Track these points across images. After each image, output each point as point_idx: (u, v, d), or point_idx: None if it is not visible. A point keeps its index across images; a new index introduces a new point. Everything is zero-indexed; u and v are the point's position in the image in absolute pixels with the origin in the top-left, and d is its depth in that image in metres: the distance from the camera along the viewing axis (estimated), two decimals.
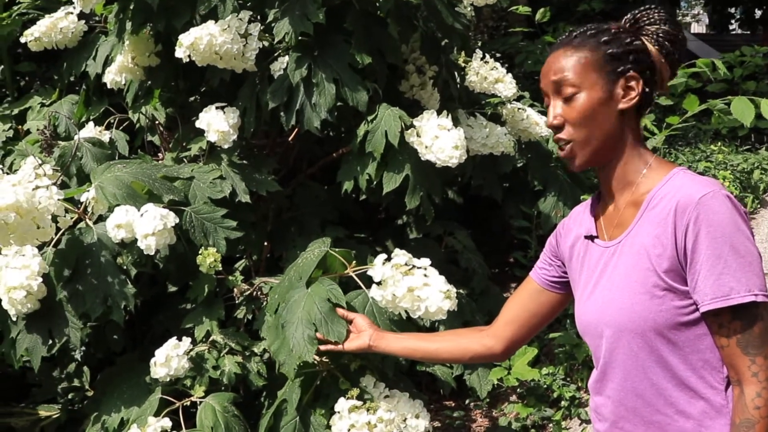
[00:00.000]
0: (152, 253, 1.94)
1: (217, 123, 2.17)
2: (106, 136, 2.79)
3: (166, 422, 1.80)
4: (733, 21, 10.39)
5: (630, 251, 1.23)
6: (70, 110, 3.02)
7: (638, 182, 1.26)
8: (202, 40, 2.04)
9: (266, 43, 2.30)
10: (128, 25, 2.29)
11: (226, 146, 2.20)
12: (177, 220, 2.00)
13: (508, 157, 3.10)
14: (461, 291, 2.68)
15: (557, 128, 1.28)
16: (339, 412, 1.82)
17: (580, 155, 1.27)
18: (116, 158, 2.65)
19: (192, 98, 2.69)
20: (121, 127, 2.88)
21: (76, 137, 2.53)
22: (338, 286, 1.85)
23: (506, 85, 2.92)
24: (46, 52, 2.93)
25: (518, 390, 2.53)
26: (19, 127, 3.11)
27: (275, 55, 2.24)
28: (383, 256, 1.87)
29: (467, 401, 2.61)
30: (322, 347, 1.76)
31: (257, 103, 2.24)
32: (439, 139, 2.03)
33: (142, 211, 1.98)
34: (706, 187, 1.16)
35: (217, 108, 2.22)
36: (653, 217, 1.20)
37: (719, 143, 4.20)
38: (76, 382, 2.68)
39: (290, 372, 1.77)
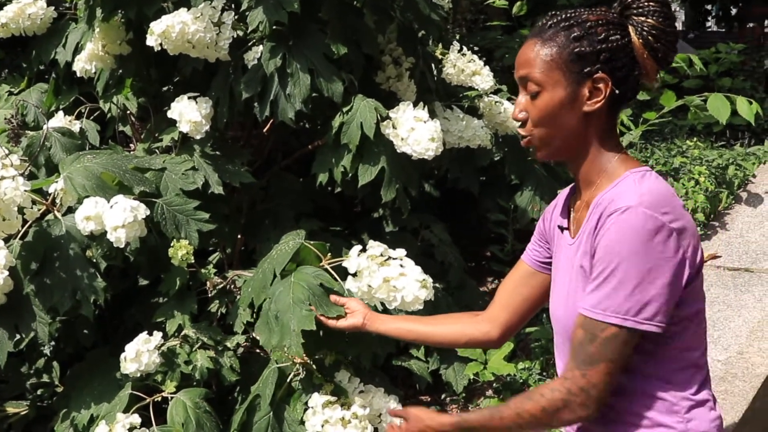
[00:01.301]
0: (122, 246, 1.90)
1: (189, 113, 2.13)
2: (76, 126, 2.73)
3: (135, 419, 1.76)
4: (709, 18, 10.47)
5: (575, 253, 1.23)
6: (39, 99, 2.95)
7: (597, 183, 1.23)
8: (174, 29, 2.00)
9: (241, 33, 2.26)
10: (98, 12, 2.23)
11: (198, 137, 2.16)
12: (148, 212, 1.96)
13: (485, 150, 3.08)
14: (437, 285, 2.66)
15: (523, 123, 1.25)
16: (312, 408, 1.80)
17: (540, 151, 1.26)
18: (86, 149, 2.59)
19: (165, 88, 2.63)
20: (92, 117, 2.82)
21: (45, 127, 2.47)
22: (324, 272, 1.83)
23: (483, 78, 2.90)
24: (16, 39, 2.85)
25: (494, 385, 2.52)
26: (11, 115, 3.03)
27: (249, 44, 2.20)
28: (358, 247, 1.85)
29: (443, 396, 2.60)
30: (320, 317, 1.73)
31: (231, 94, 2.20)
32: (415, 131, 2.01)
33: (111, 202, 1.94)
34: (632, 200, 1.12)
35: (189, 98, 2.17)
36: (591, 222, 1.19)
37: (695, 139, 4.21)
38: (45, 378, 2.63)
39: (299, 352, 1.72)
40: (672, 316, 1.14)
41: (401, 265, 1.81)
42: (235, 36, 2.17)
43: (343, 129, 2.13)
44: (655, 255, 1.09)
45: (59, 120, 2.69)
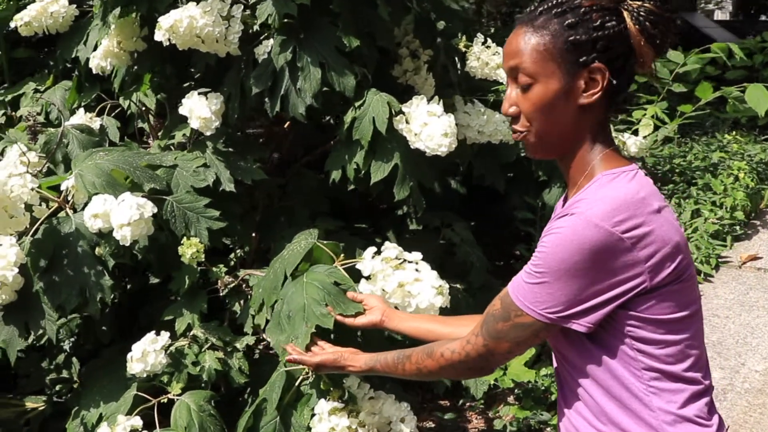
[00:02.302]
0: (128, 244, 1.87)
1: (199, 109, 2.10)
2: (96, 123, 2.72)
3: (137, 421, 1.73)
4: (756, 7, 10.10)
5: None
6: (63, 96, 2.96)
7: (579, 183, 1.17)
8: (182, 23, 1.96)
9: (257, 27, 2.21)
10: (112, 9, 2.21)
11: (208, 133, 2.13)
12: (155, 210, 1.93)
13: (510, 145, 3.00)
14: (457, 285, 2.59)
15: (515, 118, 1.17)
16: (318, 414, 1.74)
17: (534, 148, 1.18)
18: (106, 145, 2.59)
19: (185, 84, 2.61)
20: (113, 114, 2.81)
21: (64, 124, 2.47)
22: (337, 270, 1.78)
23: None
24: (45, 37, 2.87)
25: (516, 391, 2.43)
26: (13, 113, 3.06)
27: (261, 38, 2.15)
28: (372, 249, 1.80)
29: (461, 402, 2.52)
30: (338, 318, 1.68)
31: (242, 89, 2.16)
32: (428, 126, 1.93)
33: (119, 200, 1.91)
34: (583, 207, 1.06)
35: (199, 94, 2.14)
36: None
37: (733, 133, 4.04)
38: (64, 374, 2.64)
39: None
40: (635, 317, 1.09)
41: (417, 270, 1.75)
42: (250, 30, 2.13)
43: (355, 124, 2.07)
44: (588, 262, 1.05)
45: (80, 117, 2.69)
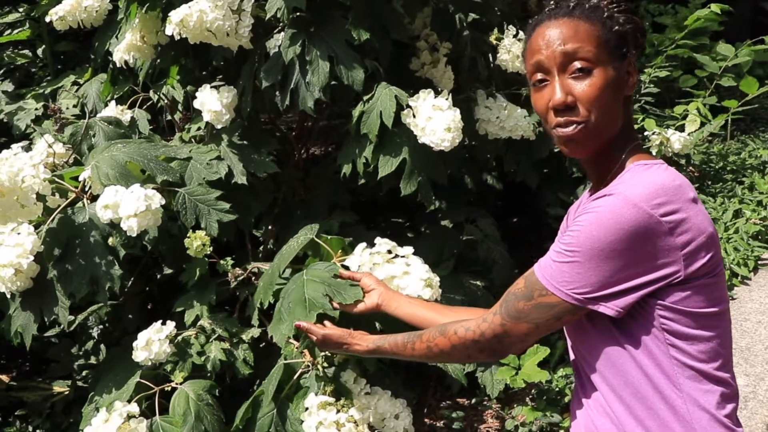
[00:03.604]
0: (134, 235, 1.90)
1: (210, 102, 2.11)
2: (127, 115, 2.78)
3: (134, 408, 1.76)
4: None
5: None
6: (98, 89, 3.03)
7: (608, 177, 1.14)
8: (191, 17, 1.98)
9: (273, 20, 2.22)
10: (131, 3, 2.25)
11: (219, 126, 2.14)
12: (163, 202, 1.95)
13: (543, 140, 2.93)
14: (478, 283, 2.54)
15: (569, 108, 1.10)
16: (309, 408, 1.74)
17: (589, 140, 1.11)
18: (136, 137, 2.64)
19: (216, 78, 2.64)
20: (144, 107, 2.87)
21: (96, 115, 2.54)
22: (336, 265, 1.78)
23: None
24: (88, 30, 2.94)
25: (533, 391, 2.37)
26: (53, 105, 3.15)
27: (275, 31, 2.15)
28: (363, 244, 1.79)
29: (474, 400, 2.47)
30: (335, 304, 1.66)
31: (255, 83, 2.16)
32: (432, 121, 1.90)
33: (128, 191, 1.94)
34: (620, 189, 1.04)
35: (212, 87, 2.16)
36: None
37: None
38: (92, 360, 2.71)
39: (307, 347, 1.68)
40: (667, 308, 1.06)
41: (407, 263, 1.73)
42: (264, 23, 2.14)
43: (363, 118, 2.05)
44: (624, 243, 1.02)
45: (111, 110, 2.76)
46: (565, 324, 1.12)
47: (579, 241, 1.04)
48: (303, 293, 1.73)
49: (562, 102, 1.10)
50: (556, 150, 3.06)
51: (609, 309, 1.05)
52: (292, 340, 1.85)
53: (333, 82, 2.03)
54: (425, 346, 1.26)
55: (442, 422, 2.36)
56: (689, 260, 1.03)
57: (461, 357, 1.24)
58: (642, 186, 1.03)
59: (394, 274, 1.70)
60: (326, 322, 1.61)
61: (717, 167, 3.66)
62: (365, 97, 2.06)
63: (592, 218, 1.03)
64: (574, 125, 1.11)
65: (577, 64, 1.09)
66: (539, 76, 1.13)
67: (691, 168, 3.48)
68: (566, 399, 2.24)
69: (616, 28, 1.10)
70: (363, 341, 1.44)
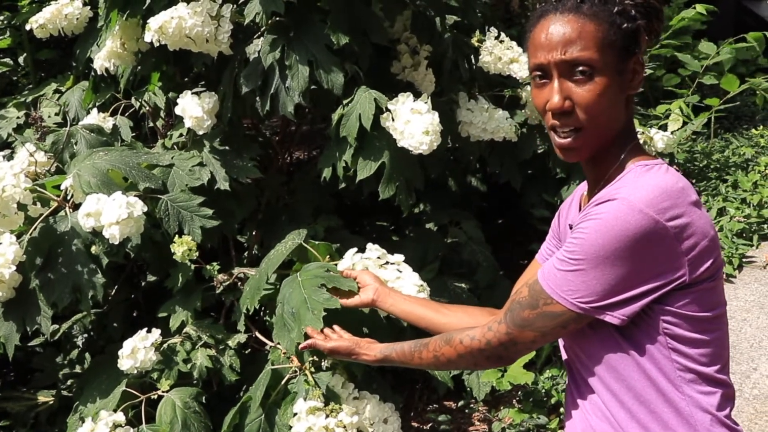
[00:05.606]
0: (116, 242, 1.89)
1: (191, 109, 2.11)
2: (109, 123, 2.76)
3: (119, 417, 1.75)
4: None
5: None
6: (80, 97, 3.02)
7: (607, 177, 1.12)
8: (170, 24, 1.97)
9: (253, 24, 2.21)
10: (110, 11, 2.25)
11: (201, 132, 2.14)
12: (145, 209, 1.95)
13: (527, 141, 2.94)
14: (463, 285, 2.54)
15: (566, 113, 1.07)
16: (297, 414, 1.73)
17: (587, 146, 1.09)
18: (119, 145, 2.63)
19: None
20: (126, 114, 2.86)
21: (71, 124, 2.52)
22: (330, 264, 1.78)
23: (521, 66, 2.74)
24: (69, 38, 2.92)
25: (519, 393, 2.38)
26: (34, 113, 3.14)
27: (255, 36, 2.15)
28: (354, 249, 1.79)
29: (461, 403, 2.47)
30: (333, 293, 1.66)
31: (236, 88, 2.16)
32: (410, 124, 1.90)
33: (110, 199, 1.94)
34: (623, 194, 1.01)
35: (193, 93, 2.15)
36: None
37: (761, 127, 3.86)
38: (77, 369, 2.69)
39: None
40: (670, 313, 1.04)
41: (398, 270, 1.74)
42: (243, 28, 2.13)
43: (342, 122, 2.05)
44: (630, 250, 1.00)
45: (93, 117, 2.74)
46: (571, 332, 1.10)
47: (583, 248, 1.02)
48: (302, 294, 1.72)
49: (560, 107, 1.08)
50: (539, 151, 3.07)
51: (614, 318, 1.03)
52: (279, 346, 1.85)
53: (313, 87, 2.02)
54: (432, 356, 1.26)
55: (429, 426, 2.36)
56: (694, 265, 1.02)
57: (468, 365, 1.25)
58: (645, 190, 1.01)
59: (386, 279, 1.70)
60: (338, 330, 1.58)
61: (701, 165, 3.68)
62: (345, 101, 2.06)
63: (596, 225, 1.01)
64: (571, 135, 1.09)
65: (578, 69, 1.06)
66: (539, 73, 1.11)
67: (675, 167, 3.50)
68: (553, 400, 2.25)
69: (626, 25, 1.06)
70: (371, 351, 1.42)
